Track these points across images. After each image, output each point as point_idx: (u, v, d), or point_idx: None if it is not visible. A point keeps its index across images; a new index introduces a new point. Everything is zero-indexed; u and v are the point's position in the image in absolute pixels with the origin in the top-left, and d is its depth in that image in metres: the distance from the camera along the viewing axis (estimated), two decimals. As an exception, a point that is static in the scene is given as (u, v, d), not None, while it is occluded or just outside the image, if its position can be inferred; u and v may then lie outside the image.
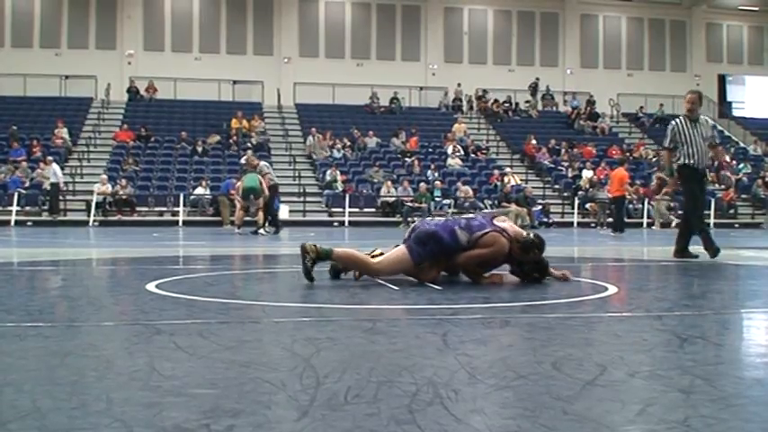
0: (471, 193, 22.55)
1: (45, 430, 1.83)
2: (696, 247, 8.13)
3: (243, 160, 18.23)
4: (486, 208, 21.59)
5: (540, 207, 21.90)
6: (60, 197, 20.71)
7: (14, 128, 23.73)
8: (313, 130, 25.31)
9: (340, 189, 22.11)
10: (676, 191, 10.21)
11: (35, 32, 28.72)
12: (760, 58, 34.22)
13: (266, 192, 15.09)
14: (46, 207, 20.51)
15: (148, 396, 2.13)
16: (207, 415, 1.92)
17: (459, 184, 22.77)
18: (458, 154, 25.53)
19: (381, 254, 5.46)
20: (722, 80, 34.27)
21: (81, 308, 4.12)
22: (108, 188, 20.65)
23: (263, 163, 16.13)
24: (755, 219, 23.45)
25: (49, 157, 20.81)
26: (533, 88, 30.83)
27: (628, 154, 26.53)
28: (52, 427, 1.85)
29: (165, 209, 21.28)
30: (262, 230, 14.93)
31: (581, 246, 12.22)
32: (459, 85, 30.10)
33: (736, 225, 22.36)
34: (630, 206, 22.79)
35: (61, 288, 5.37)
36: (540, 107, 30.69)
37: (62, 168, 22.66)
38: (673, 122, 8.39)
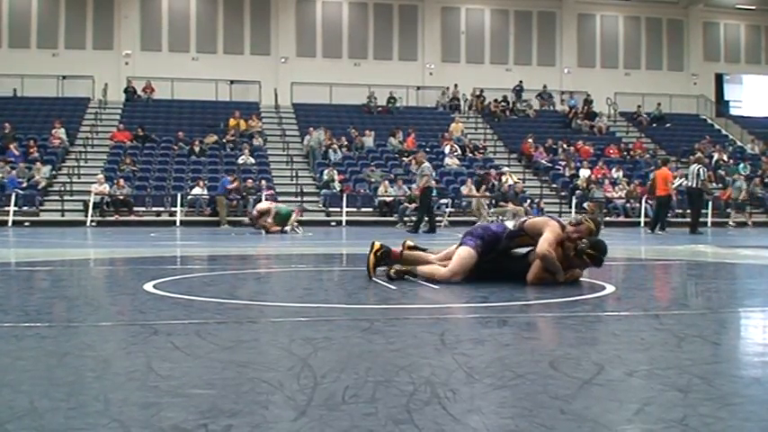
0: (475, 191, 22.46)
1: (42, 430, 1.82)
2: None
3: (412, 161, 19.61)
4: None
5: (528, 201, 21.71)
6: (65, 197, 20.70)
7: (9, 131, 23.58)
8: (311, 129, 25.26)
9: (337, 189, 22.08)
10: None
11: (32, 33, 28.62)
12: (757, 56, 34.18)
13: (418, 192, 15.86)
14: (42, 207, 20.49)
15: (146, 396, 2.13)
16: (204, 415, 1.92)
17: (463, 188, 22.65)
18: (455, 153, 25.49)
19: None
20: (719, 79, 34.23)
21: (78, 308, 4.12)
22: (105, 188, 20.60)
23: (426, 164, 16.22)
24: (752, 218, 23.43)
25: None
26: (518, 91, 30.75)
27: (655, 155, 25.59)
28: (50, 427, 1.84)
29: (162, 209, 21.21)
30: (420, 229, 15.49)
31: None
32: (455, 85, 30.08)
33: (733, 224, 22.37)
34: (627, 205, 22.79)
35: (59, 288, 5.36)
36: (519, 107, 30.47)
37: (59, 169, 22.68)
38: None
